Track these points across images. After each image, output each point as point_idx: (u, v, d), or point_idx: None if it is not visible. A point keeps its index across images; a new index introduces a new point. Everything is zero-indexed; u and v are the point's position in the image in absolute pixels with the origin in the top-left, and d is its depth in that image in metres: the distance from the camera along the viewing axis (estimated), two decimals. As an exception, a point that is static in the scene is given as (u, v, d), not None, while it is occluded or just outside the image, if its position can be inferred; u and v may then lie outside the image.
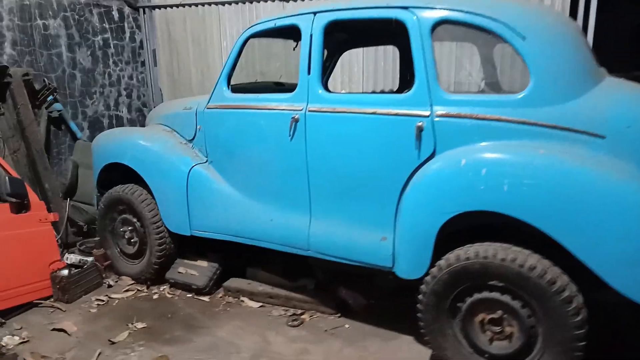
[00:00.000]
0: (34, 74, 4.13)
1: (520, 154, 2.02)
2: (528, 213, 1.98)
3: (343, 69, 4.52)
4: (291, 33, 2.78)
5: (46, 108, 4.30)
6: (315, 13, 2.57)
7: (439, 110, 2.20)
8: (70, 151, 4.60)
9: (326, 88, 2.64)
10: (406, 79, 3.70)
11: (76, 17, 4.62)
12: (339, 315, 2.95)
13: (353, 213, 2.53)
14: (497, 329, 2.16)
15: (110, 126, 5.09)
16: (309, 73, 2.58)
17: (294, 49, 3.57)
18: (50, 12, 4.37)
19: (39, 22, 4.27)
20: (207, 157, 3.17)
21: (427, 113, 2.22)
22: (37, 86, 4.18)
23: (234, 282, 3.27)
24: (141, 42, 5.40)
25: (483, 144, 2.11)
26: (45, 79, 4.29)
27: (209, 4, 4.95)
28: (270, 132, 2.75)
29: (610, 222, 1.85)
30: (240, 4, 4.83)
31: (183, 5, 5.07)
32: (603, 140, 1.96)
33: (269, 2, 4.71)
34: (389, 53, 4.35)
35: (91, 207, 4.14)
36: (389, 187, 2.37)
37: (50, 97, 4.30)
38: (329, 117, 2.50)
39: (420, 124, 2.22)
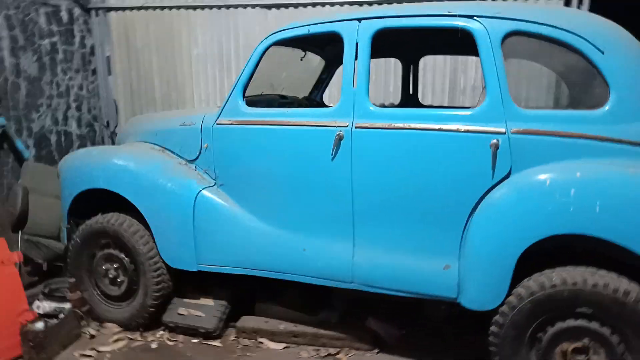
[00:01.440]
0: (-27, 82, 3.42)
1: (610, 173, 1.92)
2: (623, 235, 1.87)
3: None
4: (321, 42, 2.51)
5: (-13, 123, 3.58)
6: (360, 19, 2.32)
7: (515, 126, 2.04)
8: (15, 174, 3.88)
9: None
10: (408, 93, 3.58)
11: (20, 16, 3.93)
12: (377, 351, 2.67)
13: (408, 240, 2.29)
14: (582, 358, 2.03)
15: (59, 144, 4.40)
16: (354, 86, 2.32)
17: (301, 59, 3.30)
18: (-9, 9, 3.67)
19: (-23, 20, 3.56)
20: (215, 179, 2.76)
21: (502, 130, 2.05)
22: (-26, 97, 3.46)
23: (248, 322, 2.86)
24: (92, 47, 4.76)
25: (566, 162, 1.99)
26: (-14, 89, 3.58)
27: (178, 7, 4.49)
28: (306, 150, 2.43)
29: None
30: (215, 9, 4.43)
31: (146, 8, 4.55)
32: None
33: (248, 8, 4.36)
34: (394, 66, 4.20)
35: (50, 241, 3.49)
36: (454, 210, 2.17)
37: (-8, 110, 3.59)
38: (382, 134, 2.25)
39: (495, 141, 2.05)
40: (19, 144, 3.83)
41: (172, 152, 2.93)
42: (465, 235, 2.16)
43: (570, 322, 2.01)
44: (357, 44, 2.30)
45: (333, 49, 3.37)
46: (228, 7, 4.39)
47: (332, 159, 2.36)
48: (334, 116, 2.36)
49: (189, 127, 2.84)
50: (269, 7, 4.31)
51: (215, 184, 2.75)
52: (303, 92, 3.63)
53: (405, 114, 2.24)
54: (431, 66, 4.14)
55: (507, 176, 2.07)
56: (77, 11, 4.55)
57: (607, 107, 1.98)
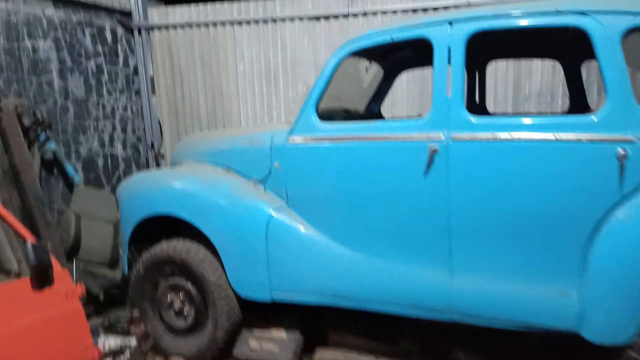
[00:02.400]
0: (26, 106, 3.32)
1: None
2: None
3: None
4: (401, 50, 2.32)
5: (39, 148, 3.47)
6: (451, 22, 2.12)
7: (645, 134, 1.81)
8: (65, 200, 3.77)
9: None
10: (474, 103, 3.36)
11: (67, 37, 3.85)
12: (471, 385, 2.42)
13: (516, 264, 2.05)
14: None
15: (106, 167, 4.29)
16: (448, 94, 2.11)
17: (366, 71, 3.12)
18: (40, 32, 3.59)
19: (27, 42, 3.48)
20: (287, 200, 2.57)
21: (630, 138, 1.81)
22: (25, 121, 3.36)
23: (326, 354, 2.65)
24: (135, 67, 4.67)
25: None
26: (37, 112, 3.48)
27: (223, 23, 4.37)
28: (394, 167, 2.22)
29: None
30: (261, 23, 4.29)
31: (190, 26, 4.45)
32: None
33: (295, 21, 4.21)
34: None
35: (106, 269, 3.35)
36: (572, 230, 1.93)
37: (43, 135, 3.49)
38: (485, 147, 2.03)
39: (622, 151, 1.81)
40: (70, 169, 3.72)
41: (237, 172, 2.76)
42: (587, 258, 1.92)
43: None
44: (449, 48, 2.10)
45: (395, 57, 3.20)
46: (274, 20, 4.25)
47: (425, 175, 2.14)
48: (425, 128, 2.15)
49: (257, 145, 2.66)
50: (317, 18, 4.16)
51: (287, 205, 2.56)
52: (359, 104, 3.45)
53: (511, 123, 2.01)
54: (492, 72, 3.91)
55: (636, 190, 1.82)
56: (120, 31, 4.48)
57: None
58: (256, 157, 2.66)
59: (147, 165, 4.85)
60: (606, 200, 1.86)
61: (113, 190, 4.33)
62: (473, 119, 2.07)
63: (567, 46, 1.94)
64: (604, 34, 1.86)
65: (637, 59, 2.03)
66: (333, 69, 2.41)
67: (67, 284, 2.53)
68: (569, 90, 3.05)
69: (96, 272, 3.29)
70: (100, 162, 4.25)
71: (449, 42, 2.10)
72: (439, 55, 2.13)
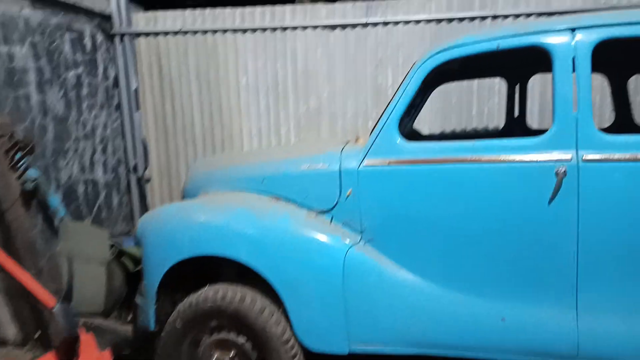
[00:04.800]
0: (8, 125, 2.68)
1: None
2: None
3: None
4: (505, 62, 2.04)
5: (18, 177, 2.82)
6: (573, 29, 1.88)
7: None
8: (44, 237, 3.10)
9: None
10: (512, 117, 3.18)
11: (46, 44, 3.23)
12: None
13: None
14: None
15: (86, 196, 3.64)
16: (575, 109, 1.86)
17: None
18: (16, 36, 2.96)
19: (2, 49, 2.84)
20: (361, 233, 2.19)
21: None
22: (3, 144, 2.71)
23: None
24: (116, 79, 4.07)
25: None
26: (15, 133, 2.83)
27: (223, 31, 3.91)
28: (506, 193, 1.93)
29: None
30: (268, 31, 3.89)
31: (184, 33, 3.94)
32: None
33: (308, 30, 3.86)
34: (461, 87, 3.80)
35: (114, 323, 2.76)
36: None
37: (23, 161, 2.85)
38: (624, 169, 1.79)
39: None
40: (54, 201, 3.07)
41: (291, 201, 2.34)
42: None
43: None
44: (573, 58, 1.86)
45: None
46: (284, 29, 3.87)
47: (550, 202, 1.87)
48: (547, 147, 1.88)
49: (321, 170, 2.26)
50: (332, 27, 3.84)
51: (362, 239, 2.18)
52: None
53: (652, 142, 1.80)
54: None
55: None
56: (100, 37, 3.88)
57: None
58: (319, 184, 2.26)
59: (129, 192, 4.23)
60: None
61: (96, 222, 3.69)
62: (606, 137, 1.83)
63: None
64: None
65: None
66: (420, 81, 2.09)
67: (93, 350, 1.99)
68: (617, 105, 2.95)
69: (104, 328, 2.69)
70: (81, 189, 3.60)
71: (573, 51, 1.86)
72: (561, 66, 1.87)
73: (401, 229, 2.11)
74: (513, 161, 1.92)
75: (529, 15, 3.64)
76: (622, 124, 2.91)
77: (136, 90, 4.10)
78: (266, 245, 2.16)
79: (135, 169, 4.19)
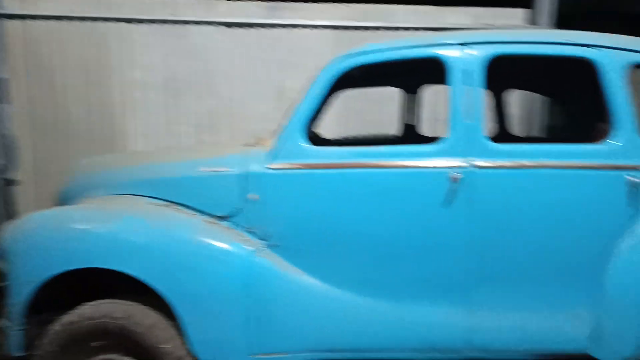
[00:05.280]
0: None
1: None
2: None
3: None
4: (401, 72, 2.10)
5: None
6: (464, 44, 2.00)
7: (649, 160, 1.92)
8: None
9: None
10: (407, 125, 3.34)
11: None
12: None
13: (536, 294, 1.99)
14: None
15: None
16: (467, 119, 1.97)
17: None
18: None
19: None
20: (266, 240, 2.10)
21: (637, 165, 1.91)
22: None
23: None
24: (-22, 67, 3.52)
25: None
26: None
27: (116, 19, 3.57)
28: (404, 197, 1.98)
29: None
30: (163, 24, 3.64)
31: (69, 18, 3.53)
32: None
33: (206, 26, 3.68)
34: (360, 94, 3.89)
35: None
36: (587, 255, 1.95)
37: None
38: (508, 175, 1.93)
39: (632, 179, 1.90)
40: None
41: (187, 207, 2.19)
42: (605, 280, 1.95)
43: None
44: (467, 71, 1.97)
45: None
46: (181, 22, 3.65)
47: (445, 206, 1.96)
48: (443, 154, 1.97)
49: (221, 173, 2.14)
50: (232, 25, 3.70)
51: (267, 246, 2.10)
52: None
53: (534, 151, 1.96)
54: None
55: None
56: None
57: None
58: (221, 188, 2.14)
59: (-6, 195, 3.67)
60: (622, 223, 1.93)
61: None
62: (494, 145, 1.97)
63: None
64: (611, 66, 1.94)
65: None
66: (330, 84, 2.08)
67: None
68: (497, 116, 3.24)
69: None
70: None
71: (467, 64, 1.98)
72: (455, 77, 1.98)
73: (307, 234, 2.07)
74: (413, 167, 1.98)
75: (425, 29, 3.85)
76: (503, 134, 3.19)
77: (5, 80, 3.58)
78: (159, 256, 1.98)
79: (1, 170, 3.65)
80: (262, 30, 3.75)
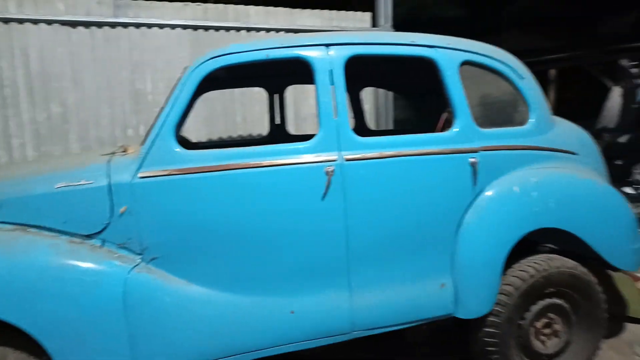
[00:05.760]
0: None
1: (550, 175, 2.39)
2: (570, 224, 2.36)
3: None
4: (265, 73, 2.13)
5: None
6: (328, 45, 2.12)
7: (482, 144, 2.28)
8: None
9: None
10: (274, 124, 3.44)
11: None
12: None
13: (406, 270, 2.22)
14: (548, 330, 2.42)
15: None
16: (335, 116, 2.10)
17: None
18: None
19: None
20: (142, 253, 1.98)
21: (475, 148, 2.26)
22: None
23: None
24: None
25: (519, 171, 2.35)
26: None
27: None
28: (284, 195, 2.04)
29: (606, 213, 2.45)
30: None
31: None
32: (576, 156, 2.56)
33: (42, 25, 3.26)
34: (226, 95, 3.85)
35: None
36: (445, 229, 2.24)
37: None
38: (375, 165, 2.11)
39: (473, 159, 2.24)
40: None
41: (46, 229, 1.95)
42: (456, 251, 2.26)
43: (541, 303, 2.38)
44: (331, 71, 2.10)
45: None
46: (12, 21, 3.17)
47: (322, 198, 2.07)
48: (317, 150, 2.07)
49: (84, 187, 1.95)
50: (73, 24, 3.34)
51: (143, 260, 1.98)
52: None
53: (393, 142, 2.17)
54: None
55: (482, 189, 2.28)
56: None
57: (530, 123, 2.44)
58: (83, 203, 1.95)
59: None
60: (465, 199, 2.26)
61: None
62: (359, 139, 2.14)
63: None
64: (448, 64, 2.26)
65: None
66: (195, 86, 2.03)
67: None
68: (354, 112, 3.52)
69: None
70: None
71: (330, 64, 2.11)
72: (320, 77, 2.10)
73: (186, 241, 2.00)
74: (290, 164, 2.05)
75: (277, 30, 3.97)
76: (361, 129, 3.46)
77: None
78: (18, 289, 1.74)
79: None
80: (108, 29, 3.46)
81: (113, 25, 3.45)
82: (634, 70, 5.56)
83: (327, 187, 2.07)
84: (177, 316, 1.96)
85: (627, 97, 5.64)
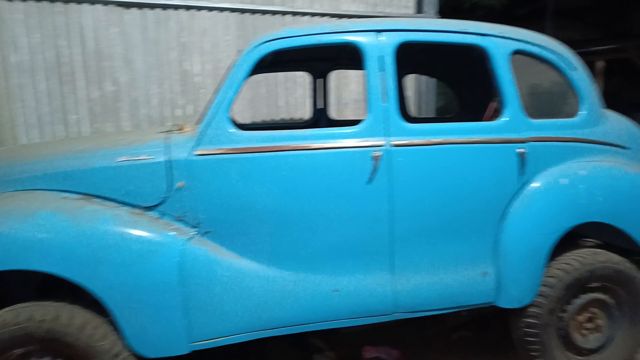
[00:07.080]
0: None
1: (599, 168, 2.36)
2: (617, 218, 2.33)
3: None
4: (311, 57, 2.18)
5: None
6: (379, 31, 2.15)
7: (530, 135, 2.27)
8: None
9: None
10: (317, 109, 3.48)
11: None
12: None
13: (449, 256, 2.25)
14: (591, 325, 2.41)
15: None
16: (384, 101, 2.14)
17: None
18: None
19: None
20: (197, 227, 2.09)
21: (524, 138, 2.26)
22: None
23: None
24: None
25: (567, 163, 2.34)
26: None
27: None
28: (333, 177, 2.10)
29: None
30: (46, 2, 3.27)
31: None
32: (626, 150, 2.52)
33: (98, 5, 3.39)
34: (270, 79, 3.92)
35: None
36: (489, 218, 2.26)
37: None
38: (422, 152, 2.15)
39: (521, 150, 2.24)
40: None
41: (108, 199, 2.07)
42: (499, 239, 2.28)
43: (585, 297, 2.37)
44: (382, 57, 2.13)
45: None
46: (71, 1, 3.31)
47: (368, 182, 2.12)
48: (364, 135, 2.12)
49: (144, 162, 2.06)
50: (126, 5, 3.46)
51: (198, 233, 2.08)
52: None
53: (440, 129, 2.20)
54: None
55: (530, 180, 2.28)
56: None
57: (581, 115, 2.41)
58: (144, 177, 2.06)
59: None
60: (511, 189, 2.27)
61: None
62: (408, 125, 2.17)
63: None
64: (499, 52, 2.25)
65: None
66: (250, 68, 2.10)
67: None
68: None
69: None
70: None
71: (380, 50, 2.14)
72: (370, 62, 2.13)
73: (237, 217, 2.09)
74: (338, 147, 2.10)
75: (322, 15, 3.99)
76: (403, 115, 3.47)
77: None
78: (84, 253, 1.87)
79: None
80: (159, 11, 3.56)
81: (164, 7, 3.56)
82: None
83: (374, 172, 2.12)
84: (227, 287, 2.06)
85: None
